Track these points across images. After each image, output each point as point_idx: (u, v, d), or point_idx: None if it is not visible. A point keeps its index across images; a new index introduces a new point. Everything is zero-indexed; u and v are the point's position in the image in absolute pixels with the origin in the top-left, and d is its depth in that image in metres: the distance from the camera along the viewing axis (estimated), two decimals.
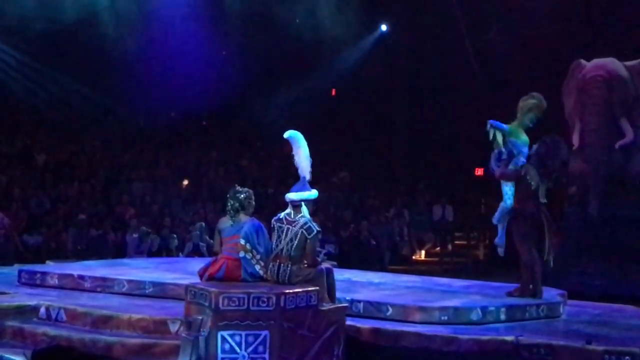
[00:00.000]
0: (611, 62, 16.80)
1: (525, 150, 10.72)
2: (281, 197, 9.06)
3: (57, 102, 23.26)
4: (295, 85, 25.30)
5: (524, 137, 10.78)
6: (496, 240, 11.12)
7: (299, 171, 9.08)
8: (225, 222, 8.70)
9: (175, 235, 18.13)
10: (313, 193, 8.83)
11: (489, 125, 10.71)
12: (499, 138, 10.71)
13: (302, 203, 8.66)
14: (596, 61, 16.95)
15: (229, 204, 8.67)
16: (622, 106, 16.48)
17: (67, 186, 20.46)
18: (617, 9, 22.57)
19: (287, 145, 9.24)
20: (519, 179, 10.58)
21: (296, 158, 9.15)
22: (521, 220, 10.57)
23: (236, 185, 8.96)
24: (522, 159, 10.70)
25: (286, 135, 9.24)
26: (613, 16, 22.62)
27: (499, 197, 10.84)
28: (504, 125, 10.69)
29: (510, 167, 10.69)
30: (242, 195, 8.70)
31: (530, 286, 10.67)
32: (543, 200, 10.64)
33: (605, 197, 16.60)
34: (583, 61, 17.19)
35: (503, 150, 10.74)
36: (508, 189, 10.78)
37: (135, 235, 18.01)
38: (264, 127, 24.71)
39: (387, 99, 27.39)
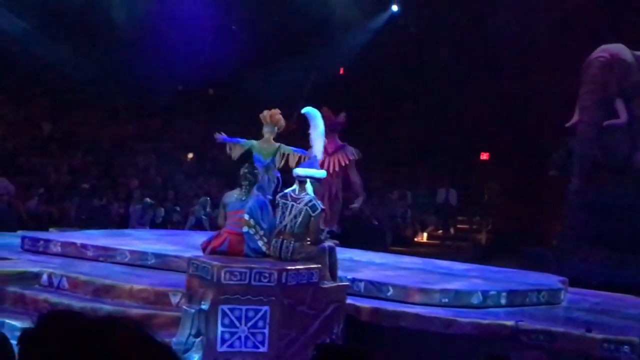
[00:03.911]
0: (616, 47, 16.90)
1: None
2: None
3: (63, 72, 23.13)
4: (304, 63, 25.21)
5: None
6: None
7: (312, 149, 9.07)
8: (230, 197, 8.69)
9: (178, 208, 18.14)
10: (321, 172, 8.83)
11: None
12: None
13: (308, 180, 8.65)
14: (603, 46, 17.06)
15: (246, 179, 8.59)
16: (618, 87, 16.48)
17: (72, 156, 20.47)
18: None
19: (293, 123, 9.27)
20: None
21: (312, 135, 9.15)
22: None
23: (249, 162, 8.95)
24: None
25: (303, 111, 9.24)
26: (626, 4, 22.48)
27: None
28: None
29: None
30: (257, 172, 8.74)
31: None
32: None
33: (589, 177, 16.67)
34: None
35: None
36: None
37: (138, 207, 18.00)
38: (270, 104, 24.59)
39: (395, 81, 27.27)
